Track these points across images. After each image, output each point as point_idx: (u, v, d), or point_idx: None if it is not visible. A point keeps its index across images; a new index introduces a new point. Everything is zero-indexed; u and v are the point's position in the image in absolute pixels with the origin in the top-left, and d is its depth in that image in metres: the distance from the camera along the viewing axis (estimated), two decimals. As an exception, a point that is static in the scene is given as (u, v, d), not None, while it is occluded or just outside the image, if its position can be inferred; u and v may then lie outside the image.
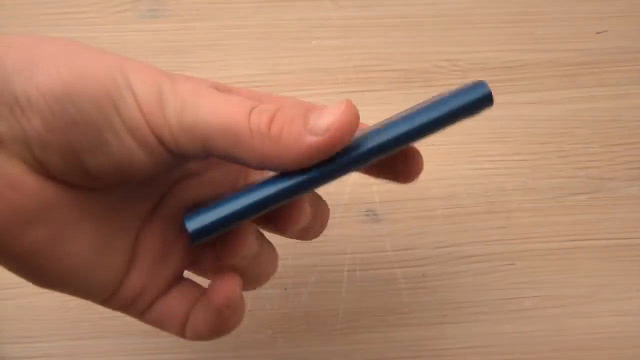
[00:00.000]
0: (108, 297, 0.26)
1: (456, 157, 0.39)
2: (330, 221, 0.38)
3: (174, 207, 0.27)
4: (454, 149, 0.40)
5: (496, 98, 0.41)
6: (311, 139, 0.23)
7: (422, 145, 0.40)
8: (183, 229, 0.25)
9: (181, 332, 0.27)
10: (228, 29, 0.43)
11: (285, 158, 0.23)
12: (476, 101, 0.26)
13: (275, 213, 0.26)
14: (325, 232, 0.37)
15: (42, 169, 0.23)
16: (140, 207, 0.27)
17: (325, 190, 0.39)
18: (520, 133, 0.40)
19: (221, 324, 0.26)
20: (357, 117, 0.23)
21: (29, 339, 0.35)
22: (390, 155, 0.25)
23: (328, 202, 0.38)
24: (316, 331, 0.35)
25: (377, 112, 0.41)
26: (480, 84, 0.26)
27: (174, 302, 0.27)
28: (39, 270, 0.24)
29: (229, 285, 0.26)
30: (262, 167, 0.24)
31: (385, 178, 0.29)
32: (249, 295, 0.36)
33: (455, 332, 0.35)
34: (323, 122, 0.23)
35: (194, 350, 0.35)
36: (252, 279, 0.28)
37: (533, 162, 0.39)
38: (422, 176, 0.39)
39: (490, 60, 0.42)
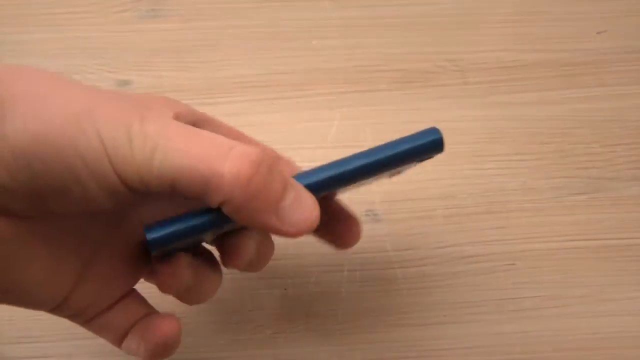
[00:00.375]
0: (51, 309, 0.27)
1: (456, 157, 0.39)
2: (330, 221, 0.38)
3: (129, 232, 0.27)
4: (454, 149, 0.40)
5: (496, 98, 0.41)
6: (277, 223, 0.24)
7: (422, 145, 0.40)
8: (143, 240, 0.25)
9: (117, 344, 0.28)
10: (228, 29, 0.43)
11: (251, 218, 0.23)
12: (427, 145, 0.27)
13: (219, 247, 0.27)
14: (325, 232, 0.37)
15: (2, 210, 0.23)
16: (96, 231, 0.27)
17: (325, 190, 0.39)
18: (520, 133, 0.40)
19: (154, 354, 0.27)
20: (318, 220, 0.25)
21: (29, 339, 0.35)
22: (339, 191, 0.28)
23: (328, 202, 0.38)
24: (316, 331, 0.35)
25: (377, 112, 0.41)
26: (433, 131, 0.27)
27: (116, 317, 0.28)
28: None
29: (168, 326, 0.27)
30: (225, 211, 0.24)
31: (324, 239, 0.31)
32: (249, 295, 0.36)
33: (455, 332, 0.35)
34: (296, 216, 0.24)
35: (194, 350, 0.35)
36: (192, 299, 0.28)
37: (533, 162, 0.39)
38: (422, 176, 0.39)
39: (490, 60, 0.42)
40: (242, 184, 0.22)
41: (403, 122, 0.40)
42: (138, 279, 0.29)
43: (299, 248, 0.37)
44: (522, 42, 0.42)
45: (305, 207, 0.24)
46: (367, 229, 0.38)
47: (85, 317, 0.27)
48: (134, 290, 0.29)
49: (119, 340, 0.28)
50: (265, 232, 0.26)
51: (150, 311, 0.28)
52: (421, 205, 0.38)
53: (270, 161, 0.23)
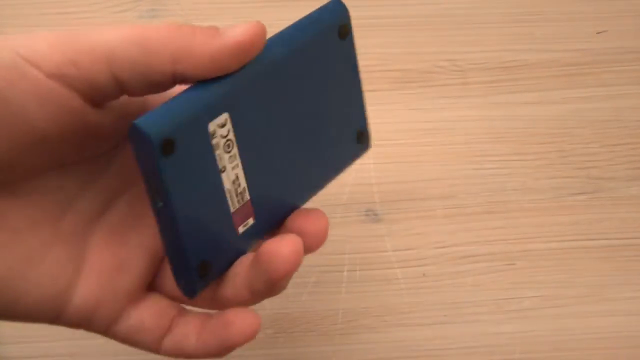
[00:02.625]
0: (57, 312, 0.25)
1: (456, 157, 0.39)
2: (330, 221, 0.38)
3: (118, 220, 0.26)
4: (454, 149, 0.40)
5: (496, 98, 0.41)
6: (226, 39, 0.23)
7: (422, 145, 0.40)
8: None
9: (156, 346, 0.26)
10: (228, 29, 0.42)
11: (202, 54, 0.22)
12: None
13: None
14: (325, 232, 0.37)
15: None
16: (78, 215, 0.25)
17: (325, 191, 0.39)
18: (520, 133, 0.40)
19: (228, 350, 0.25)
20: (265, 31, 0.24)
21: (29, 339, 0.35)
22: None
23: (328, 202, 0.38)
24: (316, 331, 0.35)
25: (377, 112, 0.41)
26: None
27: (145, 315, 0.26)
28: None
29: (249, 322, 0.25)
30: (175, 74, 0.23)
31: None
32: (249, 295, 0.36)
33: (455, 332, 0.35)
34: (235, 30, 0.23)
35: (194, 350, 0.35)
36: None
37: (533, 162, 0.39)
38: (422, 176, 0.39)
39: (490, 60, 0.42)
40: (174, 28, 0.23)
41: (403, 122, 0.40)
42: (148, 272, 0.26)
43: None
44: (522, 42, 0.42)
45: (241, 25, 0.24)
46: (367, 229, 0.38)
47: (103, 320, 0.25)
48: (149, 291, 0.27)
49: (157, 342, 0.26)
50: (225, 62, 0.24)
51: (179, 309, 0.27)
52: (421, 205, 0.38)
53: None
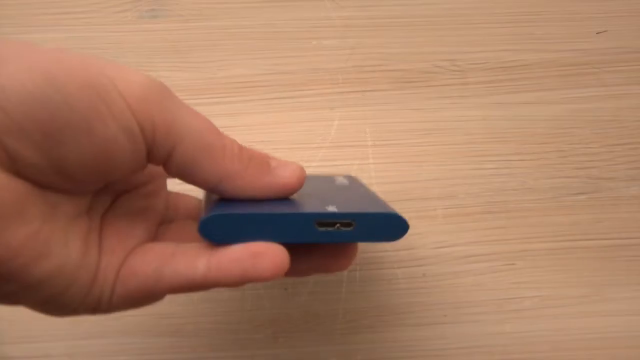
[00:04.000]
0: (81, 300, 0.25)
1: (456, 157, 0.39)
2: (330, 221, 0.38)
3: (122, 210, 0.28)
4: (454, 149, 0.40)
5: (496, 98, 0.41)
6: (275, 179, 0.27)
7: (422, 145, 0.40)
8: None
9: (156, 282, 0.26)
10: (228, 29, 0.43)
11: (247, 185, 0.26)
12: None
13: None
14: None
15: (12, 165, 0.23)
16: (97, 211, 0.27)
17: (325, 190, 0.39)
18: (520, 133, 0.40)
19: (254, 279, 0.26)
20: (304, 180, 0.28)
21: (29, 339, 0.35)
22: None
23: (328, 202, 0.38)
24: (316, 331, 0.35)
25: (377, 112, 0.41)
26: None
27: (137, 260, 0.26)
28: (22, 272, 0.23)
29: (281, 255, 0.26)
30: (216, 187, 0.26)
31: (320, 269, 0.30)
32: (249, 295, 0.36)
33: (455, 332, 0.35)
34: (287, 170, 0.27)
35: (194, 350, 0.35)
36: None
37: (533, 162, 0.39)
38: (422, 176, 0.39)
39: (490, 60, 0.42)
40: (237, 152, 0.26)
41: (403, 122, 0.40)
42: (147, 233, 0.28)
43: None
44: (522, 42, 0.42)
45: (290, 164, 0.27)
46: (367, 229, 0.38)
47: (108, 287, 0.26)
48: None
49: (155, 273, 0.26)
50: (268, 194, 0.27)
51: (174, 245, 0.27)
52: (421, 205, 0.38)
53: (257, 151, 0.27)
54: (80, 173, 0.24)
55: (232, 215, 0.26)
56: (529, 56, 0.42)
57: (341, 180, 0.34)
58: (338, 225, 0.26)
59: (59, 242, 0.24)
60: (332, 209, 0.27)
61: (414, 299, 0.36)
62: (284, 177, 0.27)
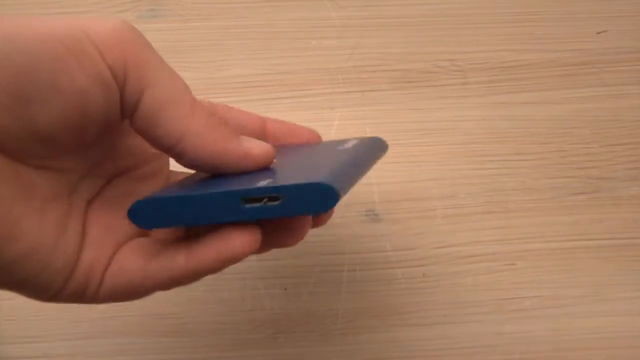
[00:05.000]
0: (60, 286, 0.25)
1: (456, 157, 0.39)
2: (330, 221, 0.38)
3: (112, 196, 0.27)
4: (454, 149, 0.40)
5: (496, 98, 0.41)
6: (239, 148, 0.25)
7: (422, 145, 0.40)
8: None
9: (143, 279, 0.26)
10: (228, 29, 0.43)
11: (208, 147, 0.25)
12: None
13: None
14: (325, 232, 0.37)
15: None
16: (82, 195, 0.27)
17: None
18: (520, 133, 0.40)
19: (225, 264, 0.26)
20: (271, 158, 0.27)
21: (29, 339, 0.35)
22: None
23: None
24: (316, 331, 0.35)
25: (377, 112, 0.41)
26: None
27: (126, 257, 0.26)
28: None
29: (250, 233, 0.26)
30: (177, 144, 0.24)
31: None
32: (249, 295, 0.36)
33: (455, 332, 0.35)
34: (250, 142, 0.26)
35: (194, 350, 0.35)
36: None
37: (533, 162, 0.39)
38: (422, 176, 0.39)
39: (490, 60, 0.42)
40: (206, 112, 0.25)
41: (403, 122, 0.40)
42: (135, 233, 0.28)
43: (299, 248, 0.37)
44: (522, 42, 0.42)
45: (259, 142, 0.26)
46: (367, 229, 0.38)
47: (95, 280, 0.26)
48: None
49: (142, 275, 0.26)
50: (228, 163, 0.26)
51: (162, 243, 0.27)
52: (421, 205, 0.38)
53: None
54: (54, 132, 0.23)
55: (154, 200, 0.25)
56: (529, 56, 0.42)
57: (348, 145, 0.31)
58: (265, 200, 0.24)
59: (31, 224, 0.24)
60: (262, 183, 0.25)
61: (414, 299, 0.36)
62: (248, 147, 0.26)
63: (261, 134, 0.31)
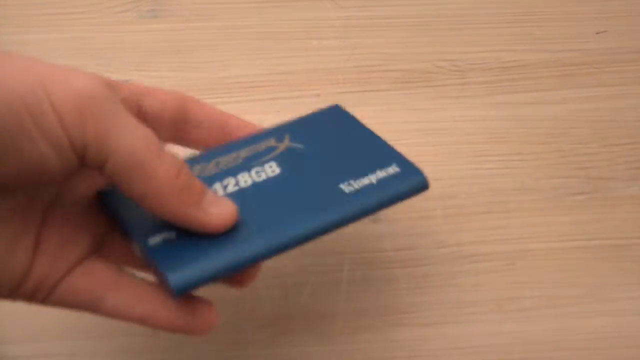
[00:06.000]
0: (9, 292, 0.26)
1: (456, 157, 0.39)
2: (330, 221, 0.38)
3: (70, 200, 0.28)
4: (454, 149, 0.40)
5: (496, 98, 0.41)
6: (202, 214, 0.26)
7: (422, 145, 0.40)
8: (163, 280, 0.26)
9: (94, 308, 0.27)
10: (228, 29, 0.43)
11: (170, 211, 0.25)
12: (412, 191, 0.29)
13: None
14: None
15: None
16: (37, 206, 0.27)
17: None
18: (520, 133, 0.40)
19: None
20: (232, 223, 0.27)
21: (29, 339, 0.35)
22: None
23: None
24: (316, 331, 0.35)
25: (377, 112, 0.41)
26: (415, 173, 0.29)
27: (80, 281, 0.27)
28: None
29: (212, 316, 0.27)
30: (144, 203, 0.25)
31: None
32: (249, 295, 0.36)
33: (455, 332, 0.35)
34: (218, 209, 0.26)
35: (194, 350, 0.35)
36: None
37: (533, 162, 0.39)
38: (422, 176, 0.39)
39: (490, 60, 0.42)
40: (171, 176, 0.25)
41: (403, 122, 0.40)
42: (92, 246, 0.28)
43: (298, 248, 0.37)
44: (522, 42, 0.42)
45: (224, 204, 0.27)
46: (367, 229, 0.38)
47: (44, 292, 0.27)
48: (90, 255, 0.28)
49: (93, 303, 0.27)
50: (190, 226, 0.27)
51: (118, 272, 0.28)
52: (421, 205, 0.38)
53: (193, 178, 0.26)
54: (10, 185, 0.24)
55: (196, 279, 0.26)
56: (529, 56, 0.42)
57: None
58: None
59: None
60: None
61: (414, 299, 0.36)
62: (209, 213, 0.26)
63: (225, 137, 0.31)
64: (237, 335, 0.35)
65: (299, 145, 0.30)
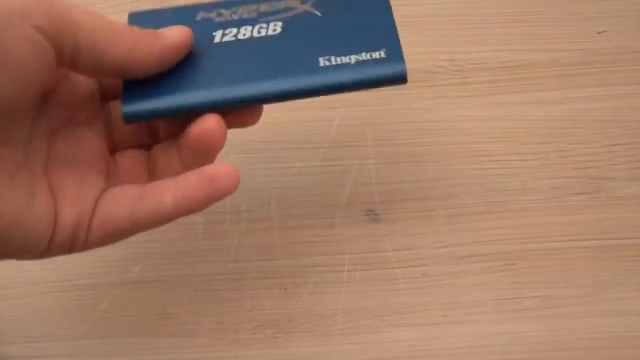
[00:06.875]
0: (46, 246, 0.27)
1: (456, 157, 0.39)
2: (330, 221, 0.38)
3: (63, 154, 0.29)
4: (454, 149, 0.40)
5: (496, 98, 0.41)
6: (166, 41, 0.28)
7: (422, 145, 0.40)
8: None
9: (131, 225, 0.28)
10: (228, 29, 0.42)
11: (145, 56, 0.28)
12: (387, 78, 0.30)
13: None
14: (325, 232, 0.37)
15: None
16: (35, 160, 0.28)
17: (325, 190, 0.39)
18: (520, 133, 0.40)
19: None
20: (190, 41, 0.29)
21: (29, 339, 0.35)
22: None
23: (328, 201, 0.38)
24: (316, 331, 0.35)
25: (377, 112, 0.41)
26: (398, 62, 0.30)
27: (109, 209, 0.28)
28: None
29: (232, 173, 0.28)
30: (124, 65, 0.27)
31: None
32: (249, 295, 0.36)
33: (455, 332, 0.35)
34: (169, 33, 0.29)
35: (194, 350, 0.35)
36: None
37: (533, 162, 0.39)
38: (422, 176, 0.39)
39: (490, 60, 0.42)
40: (129, 29, 0.28)
41: (403, 122, 0.40)
42: (108, 179, 0.30)
43: (298, 248, 0.37)
44: (522, 42, 0.42)
45: (175, 29, 0.29)
46: (367, 229, 0.38)
47: (81, 235, 0.28)
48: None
49: (129, 218, 0.28)
50: (163, 61, 0.29)
51: (137, 187, 0.29)
52: (421, 205, 0.38)
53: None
54: (4, 106, 0.25)
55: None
56: (529, 56, 0.42)
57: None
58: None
59: (5, 200, 0.25)
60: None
61: (414, 299, 0.36)
62: (165, 37, 0.28)
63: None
64: (237, 335, 0.35)
65: (317, 12, 0.31)
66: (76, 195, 0.28)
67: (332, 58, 0.29)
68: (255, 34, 0.30)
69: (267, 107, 0.41)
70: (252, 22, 0.31)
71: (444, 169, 0.39)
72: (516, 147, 0.40)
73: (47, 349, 0.35)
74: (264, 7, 0.31)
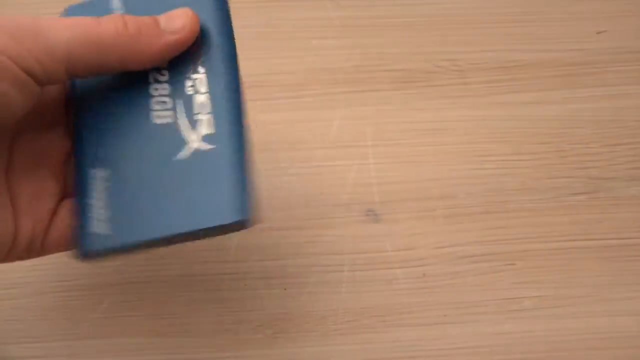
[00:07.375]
0: (5, 255, 0.27)
1: (456, 157, 0.39)
2: (330, 221, 0.38)
3: (25, 160, 0.29)
4: (454, 149, 0.40)
5: (496, 98, 0.41)
6: (170, 37, 0.27)
7: (422, 145, 0.40)
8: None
9: None
10: (228, 29, 0.42)
11: (148, 53, 0.26)
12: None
13: None
14: (325, 232, 0.37)
15: None
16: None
17: (325, 190, 0.39)
18: (520, 133, 0.40)
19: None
20: (197, 28, 0.27)
21: (29, 339, 0.35)
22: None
23: (328, 202, 0.38)
24: (316, 331, 0.35)
25: (377, 112, 0.41)
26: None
27: (68, 216, 0.28)
28: None
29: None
30: (125, 67, 0.26)
31: None
32: (249, 295, 0.36)
33: (455, 332, 0.35)
34: (176, 23, 0.27)
35: (194, 350, 0.35)
36: None
37: (533, 162, 0.39)
38: (422, 176, 0.39)
39: (490, 60, 0.42)
40: (120, 29, 0.26)
41: (403, 122, 0.40)
42: (63, 189, 0.29)
43: (299, 248, 0.37)
44: (522, 42, 0.42)
45: (178, 15, 0.27)
46: (367, 229, 0.38)
47: (37, 242, 0.28)
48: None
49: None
50: (166, 55, 0.27)
51: None
52: (421, 205, 0.38)
53: (140, 17, 0.27)
54: None
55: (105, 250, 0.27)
56: (529, 56, 0.42)
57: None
58: None
59: None
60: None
61: (414, 299, 0.36)
62: (176, 32, 0.27)
63: None
64: (237, 335, 0.35)
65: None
66: (31, 208, 0.28)
67: None
68: None
69: (267, 107, 0.41)
70: None
71: (443, 169, 0.39)
72: (516, 147, 0.40)
73: (47, 349, 0.35)
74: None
